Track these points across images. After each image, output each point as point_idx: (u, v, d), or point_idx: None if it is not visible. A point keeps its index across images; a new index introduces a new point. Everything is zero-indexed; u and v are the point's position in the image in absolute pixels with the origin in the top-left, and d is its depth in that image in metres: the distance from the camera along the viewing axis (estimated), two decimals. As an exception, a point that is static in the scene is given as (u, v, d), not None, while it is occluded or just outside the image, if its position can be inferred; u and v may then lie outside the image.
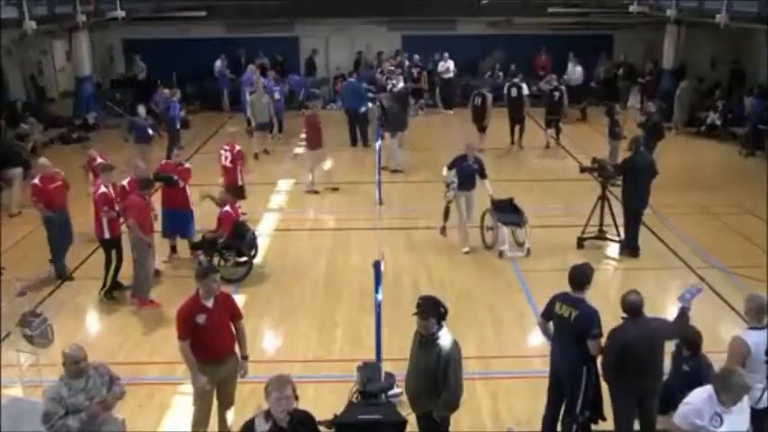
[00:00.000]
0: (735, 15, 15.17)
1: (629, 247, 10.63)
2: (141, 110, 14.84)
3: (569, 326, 5.92)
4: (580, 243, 10.83)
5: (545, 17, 21.69)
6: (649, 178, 10.50)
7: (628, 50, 22.71)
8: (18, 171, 13.09)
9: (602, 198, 10.65)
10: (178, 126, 15.76)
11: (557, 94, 16.86)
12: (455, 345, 5.46)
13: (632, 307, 5.79)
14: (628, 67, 21.99)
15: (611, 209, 10.69)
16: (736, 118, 17.74)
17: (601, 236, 10.84)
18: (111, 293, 9.39)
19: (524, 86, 17.00)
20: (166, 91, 16.47)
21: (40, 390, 7.00)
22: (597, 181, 10.85)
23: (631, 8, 20.10)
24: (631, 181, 10.41)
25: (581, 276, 6.03)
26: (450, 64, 21.09)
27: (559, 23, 22.15)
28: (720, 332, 7.61)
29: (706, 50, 20.76)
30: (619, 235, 10.73)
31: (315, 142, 13.94)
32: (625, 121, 14.94)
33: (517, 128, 16.89)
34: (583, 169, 11.07)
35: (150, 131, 14.40)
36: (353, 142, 17.32)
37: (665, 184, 13.89)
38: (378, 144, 13.40)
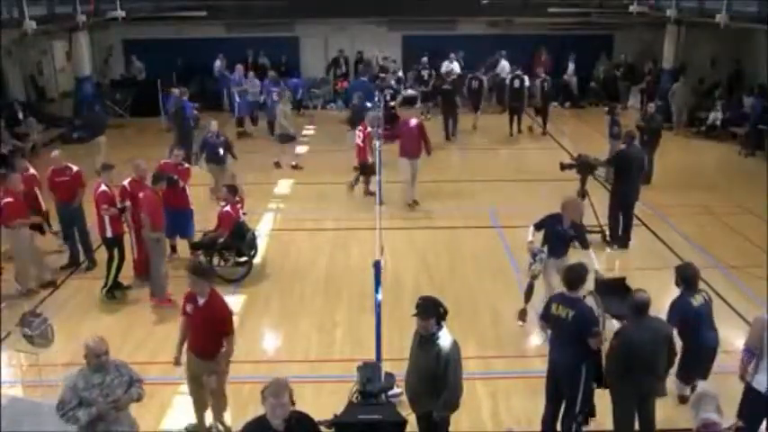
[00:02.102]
0: (735, 15, 15.16)
1: (620, 239, 10.85)
2: (213, 125, 13.27)
3: (567, 326, 5.95)
4: None
5: (545, 17, 21.70)
6: (640, 171, 10.91)
7: (628, 50, 22.74)
8: (103, 139, 15.33)
9: (582, 194, 10.74)
10: (192, 125, 15.67)
11: (545, 84, 18.56)
12: (455, 345, 5.46)
13: (640, 305, 5.85)
14: (628, 67, 22.01)
15: (591, 203, 10.82)
16: (736, 118, 17.74)
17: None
18: (113, 293, 9.40)
19: (526, 78, 18.63)
20: (176, 91, 16.26)
21: (40, 390, 7.02)
22: (577, 177, 10.98)
23: (631, 8, 20.09)
24: (625, 174, 10.62)
25: (575, 276, 6.07)
26: (455, 65, 21.03)
27: (559, 23, 22.15)
28: (719, 332, 7.59)
29: (706, 50, 20.73)
30: (600, 228, 10.92)
31: (410, 149, 12.71)
32: (627, 122, 14.89)
33: (515, 117, 18.43)
34: (563, 167, 11.09)
35: (221, 151, 12.92)
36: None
37: (665, 184, 13.98)
38: (378, 143, 13.37)
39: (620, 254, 11.01)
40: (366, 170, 13.28)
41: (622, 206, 10.82)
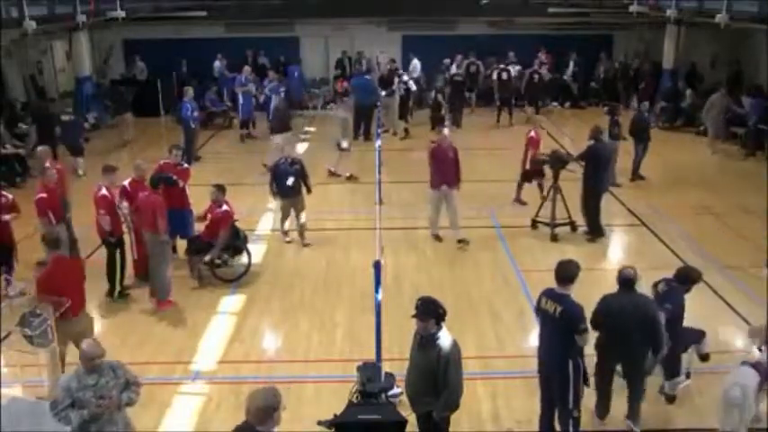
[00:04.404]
0: (735, 15, 15.15)
1: (593, 230, 11.27)
2: (287, 149, 11.36)
3: (554, 321, 5.98)
4: (534, 224, 11.59)
5: (545, 17, 21.70)
6: (608, 165, 11.53)
7: (628, 50, 22.73)
8: (129, 116, 18.35)
9: (555, 187, 11.19)
10: (192, 126, 15.62)
11: (534, 76, 19.80)
12: (455, 345, 5.46)
13: (623, 279, 6.33)
14: (627, 66, 22.01)
15: (562, 196, 11.19)
16: (736, 118, 17.70)
17: (553, 222, 11.30)
18: (121, 293, 9.47)
19: (512, 70, 19.76)
20: (189, 89, 16.24)
21: (40, 390, 7.02)
22: (551, 171, 11.37)
23: (631, 8, 20.07)
24: (594, 167, 11.12)
25: (565, 272, 6.06)
26: (418, 65, 21.10)
27: (559, 23, 22.15)
28: (720, 332, 7.62)
29: (706, 50, 20.75)
30: (571, 220, 11.39)
31: (444, 177, 10.83)
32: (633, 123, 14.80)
33: (505, 109, 19.39)
34: (536, 162, 11.45)
35: (291, 180, 10.87)
36: (356, 136, 17.56)
37: (665, 184, 14.00)
38: (378, 143, 13.35)
39: (619, 253, 11.03)
40: (530, 175, 12.54)
41: (592, 198, 11.25)
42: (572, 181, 11.57)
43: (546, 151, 12.09)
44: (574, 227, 11.43)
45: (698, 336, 6.98)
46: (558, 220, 11.26)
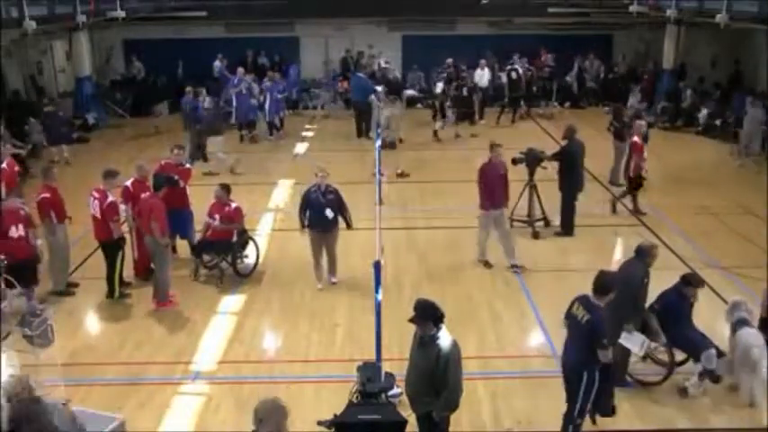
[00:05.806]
0: (735, 15, 15.16)
1: (566, 228, 11.50)
2: (321, 176, 9.49)
3: (578, 327, 6.01)
4: (510, 223, 11.43)
5: (545, 17, 21.72)
6: (582, 163, 11.66)
7: (628, 50, 22.75)
8: (162, 107, 20.01)
9: (530, 185, 11.41)
10: (198, 126, 15.54)
11: (527, 73, 20.06)
12: (455, 345, 5.47)
13: (635, 248, 7.19)
14: (627, 66, 22.04)
15: (537, 194, 11.41)
16: (736, 118, 17.70)
17: (530, 220, 11.54)
18: (121, 292, 9.47)
19: (520, 69, 19.79)
20: (190, 89, 16.18)
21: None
22: (527, 169, 11.48)
23: (631, 8, 20.10)
24: (569, 166, 11.33)
25: (601, 284, 6.05)
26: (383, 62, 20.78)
27: (559, 23, 22.16)
28: (720, 331, 7.61)
29: (706, 50, 20.77)
30: (545, 216, 11.64)
31: (497, 198, 10.11)
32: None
33: (511, 108, 19.72)
34: (515, 161, 11.47)
35: (329, 212, 9.37)
36: (359, 134, 17.54)
37: (664, 184, 13.99)
38: (378, 143, 13.35)
39: (620, 253, 11.02)
40: (638, 185, 12.19)
41: (568, 196, 11.42)
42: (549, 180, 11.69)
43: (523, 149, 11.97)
44: (547, 223, 11.64)
45: (707, 344, 7.06)
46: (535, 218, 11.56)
